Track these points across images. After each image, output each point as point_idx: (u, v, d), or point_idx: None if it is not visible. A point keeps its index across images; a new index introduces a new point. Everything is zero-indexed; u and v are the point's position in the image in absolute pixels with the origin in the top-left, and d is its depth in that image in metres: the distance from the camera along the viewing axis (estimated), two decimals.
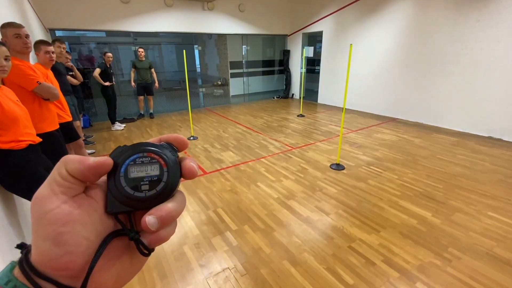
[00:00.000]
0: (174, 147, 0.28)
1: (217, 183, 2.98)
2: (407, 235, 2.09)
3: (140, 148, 0.26)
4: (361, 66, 6.24)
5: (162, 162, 0.26)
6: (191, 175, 0.27)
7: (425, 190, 2.74)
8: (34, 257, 0.22)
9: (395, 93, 5.72)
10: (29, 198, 1.56)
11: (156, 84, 5.89)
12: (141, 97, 5.93)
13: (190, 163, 0.27)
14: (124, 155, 0.26)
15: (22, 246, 0.24)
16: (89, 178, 0.23)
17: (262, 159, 3.63)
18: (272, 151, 3.92)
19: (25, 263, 0.22)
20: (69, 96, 3.41)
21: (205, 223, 2.28)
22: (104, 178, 0.26)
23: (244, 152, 3.90)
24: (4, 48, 1.42)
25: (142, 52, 5.54)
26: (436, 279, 1.68)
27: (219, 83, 8.92)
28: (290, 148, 4.03)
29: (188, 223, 2.30)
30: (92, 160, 0.23)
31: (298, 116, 6.09)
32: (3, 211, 1.38)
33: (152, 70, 5.77)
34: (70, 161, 0.23)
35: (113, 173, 0.25)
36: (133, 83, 5.68)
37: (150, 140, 0.28)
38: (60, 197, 0.22)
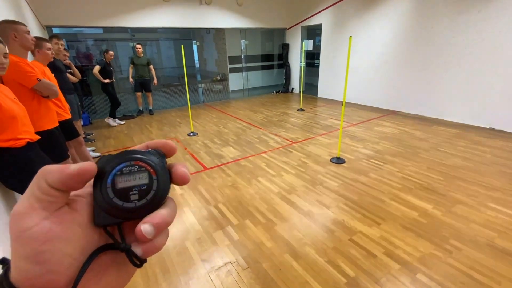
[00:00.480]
0: (162, 153, 0.27)
1: (218, 179, 2.99)
2: (408, 227, 2.10)
3: (127, 157, 0.25)
4: (361, 59, 6.19)
5: (151, 170, 0.25)
6: (183, 181, 0.26)
7: (426, 183, 2.74)
8: (14, 275, 0.21)
9: (396, 86, 5.68)
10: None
11: (155, 80, 5.85)
12: (139, 94, 5.90)
13: (181, 168, 0.26)
14: (109, 164, 0.24)
15: (3, 262, 0.23)
16: (73, 186, 0.22)
17: (263, 154, 3.63)
18: (272, 146, 3.91)
19: (4, 282, 0.21)
20: (73, 95, 3.40)
21: (207, 218, 2.29)
22: (89, 189, 0.24)
23: (244, 148, 3.89)
24: (2, 45, 1.41)
25: (139, 48, 5.50)
26: (437, 270, 1.69)
27: (218, 78, 8.87)
28: (290, 143, 4.02)
29: (189, 218, 2.31)
30: (73, 167, 0.21)
31: (298, 110, 6.06)
32: (5, 209, 1.38)
33: (151, 66, 5.73)
34: (49, 172, 0.21)
35: (99, 184, 0.24)
36: (131, 80, 5.65)
37: (137, 147, 0.27)
38: (40, 213, 0.21)
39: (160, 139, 0.28)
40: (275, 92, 8.56)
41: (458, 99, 4.73)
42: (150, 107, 6.15)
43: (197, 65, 10.99)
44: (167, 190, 0.26)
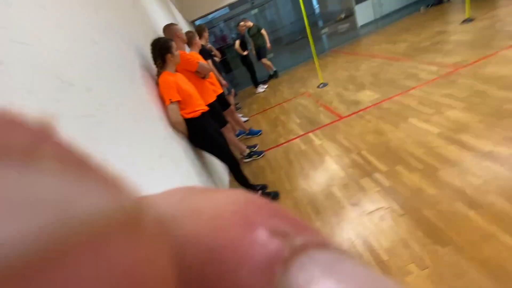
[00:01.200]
0: None
1: (357, 126, 2.79)
2: None
3: None
4: None
5: None
6: None
7: None
8: None
9: None
10: (207, 151, 2.12)
11: (268, 44, 5.78)
12: (262, 60, 6.20)
13: None
14: None
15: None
16: None
17: (412, 91, 2.99)
18: (425, 79, 3.13)
19: None
20: (224, 73, 4.12)
21: (350, 166, 2.24)
22: None
23: (385, 88, 3.35)
24: (174, 43, 1.88)
25: (243, 25, 5.42)
26: None
27: (342, 16, 7.83)
28: (453, 70, 3.06)
29: (331, 166, 2.35)
30: None
31: (463, 22, 4.40)
32: (197, 160, 1.97)
33: (262, 31, 5.72)
34: None
35: None
36: (254, 52, 6.00)
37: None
38: None
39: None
40: (421, 10, 6.54)
41: None
42: (274, 69, 6.36)
43: (317, 11, 10.15)
44: None
